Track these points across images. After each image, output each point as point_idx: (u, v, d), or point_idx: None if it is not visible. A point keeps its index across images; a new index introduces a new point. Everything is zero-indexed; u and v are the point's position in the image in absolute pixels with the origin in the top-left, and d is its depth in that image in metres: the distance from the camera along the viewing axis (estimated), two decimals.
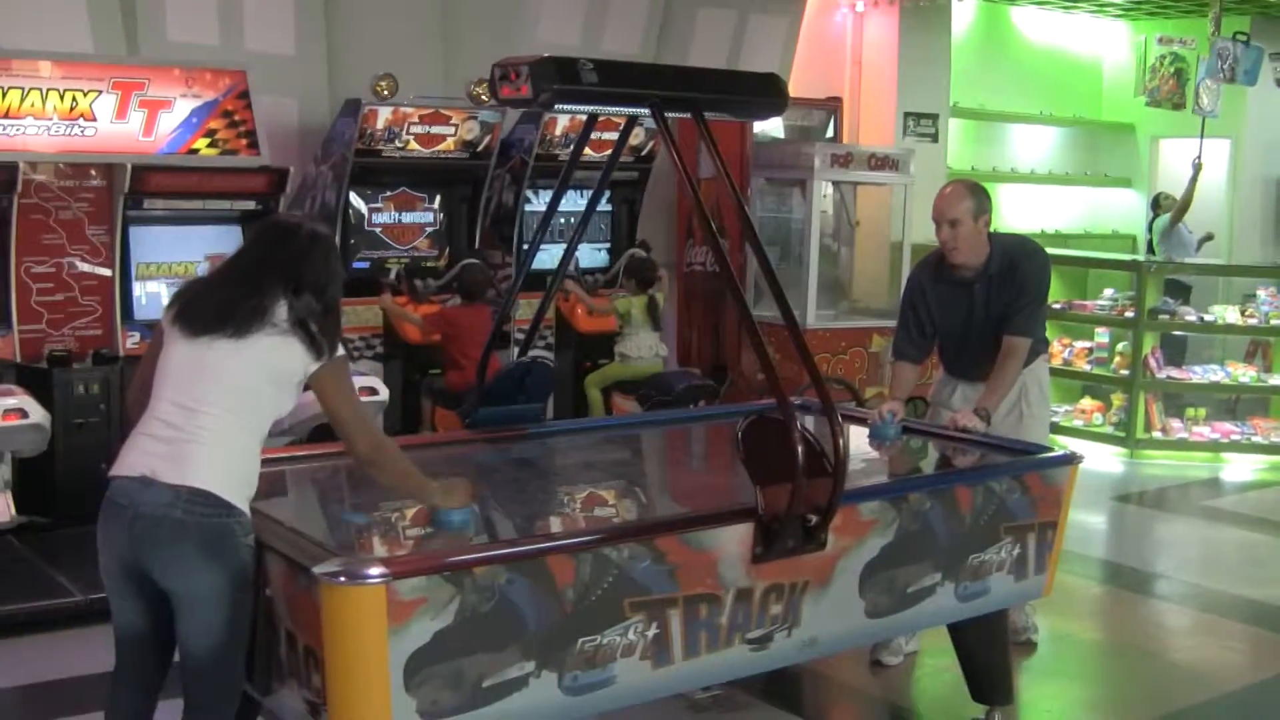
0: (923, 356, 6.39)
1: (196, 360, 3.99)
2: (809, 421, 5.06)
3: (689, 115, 4.82)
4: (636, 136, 9.87)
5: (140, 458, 3.98)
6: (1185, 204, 12.98)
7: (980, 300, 6.14)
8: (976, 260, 6.13)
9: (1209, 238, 13.63)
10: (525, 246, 9.47)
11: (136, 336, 7.78)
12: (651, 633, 4.15)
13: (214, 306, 4.05)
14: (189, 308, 4.09)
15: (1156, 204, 13.62)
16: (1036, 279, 6.16)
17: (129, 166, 7.69)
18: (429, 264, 9.49)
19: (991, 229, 6.17)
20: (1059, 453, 5.60)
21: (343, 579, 3.60)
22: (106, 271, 7.85)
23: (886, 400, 6.16)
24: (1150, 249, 13.48)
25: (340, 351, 4.14)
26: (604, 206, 10.46)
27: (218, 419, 3.95)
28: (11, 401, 6.69)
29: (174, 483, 3.88)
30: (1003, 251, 6.14)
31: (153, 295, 8.08)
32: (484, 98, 9.02)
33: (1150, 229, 13.64)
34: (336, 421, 4.15)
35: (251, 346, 3.98)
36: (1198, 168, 12.76)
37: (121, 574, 4.02)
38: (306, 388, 4.09)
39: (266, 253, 4.17)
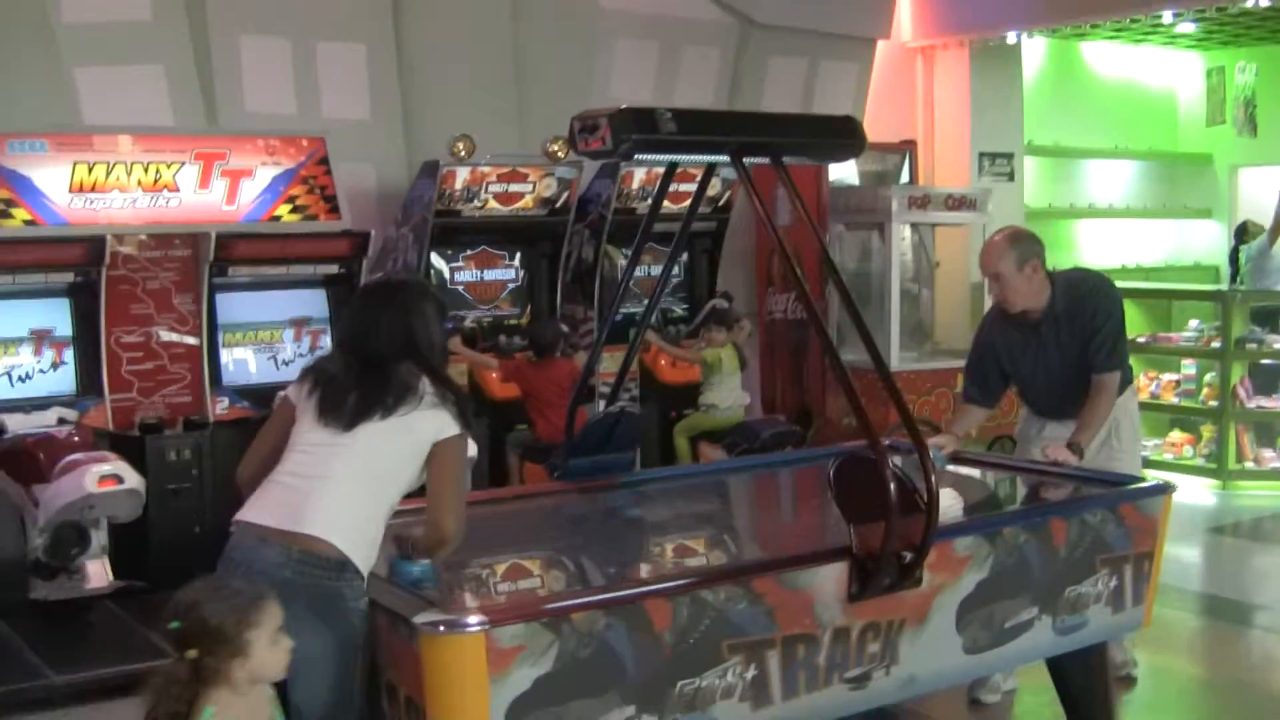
0: (990, 402, 6.33)
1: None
2: (896, 462, 5.04)
3: (767, 161, 4.83)
4: (713, 187, 9.88)
5: (262, 509, 4.00)
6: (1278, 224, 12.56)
7: (1050, 341, 6.08)
8: (1037, 303, 6.06)
9: None
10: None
11: (225, 402, 7.89)
12: (750, 674, 4.14)
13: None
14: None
15: (1244, 230, 13.25)
16: (1106, 312, 6.06)
17: (213, 235, 7.82)
18: (511, 322, 9.56)
19: (1071, 265, 6.11)
20: (1152, 483, 5.54)
21: (442, 628, 3.63)
22: (194, 339, 7.97)
23: (941, 434, 6.09)
24: (1234, 279, 13.28)
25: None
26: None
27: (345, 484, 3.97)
28: (107, 468, 6.74)
29: (286, 540, 3.88)
30: (1066, 289, 6.07)
31: (240, 361, 8.21)
32: (560, 155, 9.08)
33: (1234, 258, 13.39)
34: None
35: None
36: None
37: None
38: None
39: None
